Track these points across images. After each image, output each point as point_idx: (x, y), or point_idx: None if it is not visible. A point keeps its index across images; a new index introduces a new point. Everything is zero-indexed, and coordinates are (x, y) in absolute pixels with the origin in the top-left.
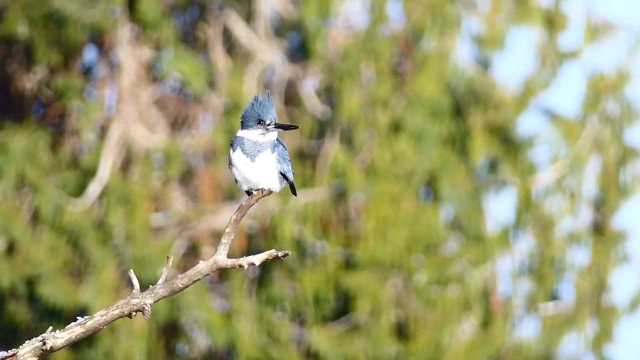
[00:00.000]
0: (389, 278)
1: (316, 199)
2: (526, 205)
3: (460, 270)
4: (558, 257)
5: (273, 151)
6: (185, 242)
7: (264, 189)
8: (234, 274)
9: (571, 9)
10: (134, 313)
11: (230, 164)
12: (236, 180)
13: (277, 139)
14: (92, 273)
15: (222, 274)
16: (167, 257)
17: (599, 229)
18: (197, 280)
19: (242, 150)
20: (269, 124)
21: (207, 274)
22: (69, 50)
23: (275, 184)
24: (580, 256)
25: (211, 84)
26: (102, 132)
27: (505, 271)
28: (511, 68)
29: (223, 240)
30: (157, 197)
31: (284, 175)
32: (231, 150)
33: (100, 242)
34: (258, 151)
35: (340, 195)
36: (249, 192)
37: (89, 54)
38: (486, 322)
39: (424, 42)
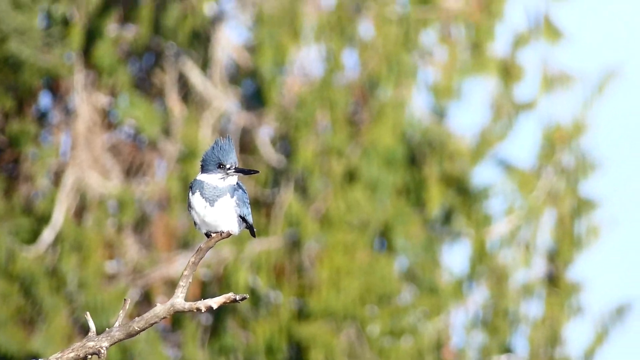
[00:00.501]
0: (342, 328)
1: (270, 247)
2: (480, 257)
3: (413, 321)
4: (512, 309)
5: (232, 195)
6: (138, 290)
7: (223, 232)
8: (187, 323)
9: (527, 59)
10: (90, 356)
11: (189, 206)
12: (195, 223)
13: (237, 183)
14: (44, 321)
15: (175, 322)
16: (125, 299)
17: (553, 281)
18: (154, 324)
19: (202, 194)
20: (229, 168)
21: (164, 317)
22: (24, 96)
23: (234, 227)
24: (534, 308)
25: (166, 131)
26: (57, 178)
27: (459, 323)
28: (467, 118)
29: (181, 283)
30: (111, 244)
31: (243, 218)
32: (190, 193)
33: (53, 289)
34: (217, 196)
35: (294, 244)
36: (208, 235)
37: (44, 99)
38: None
39: (379, 91)
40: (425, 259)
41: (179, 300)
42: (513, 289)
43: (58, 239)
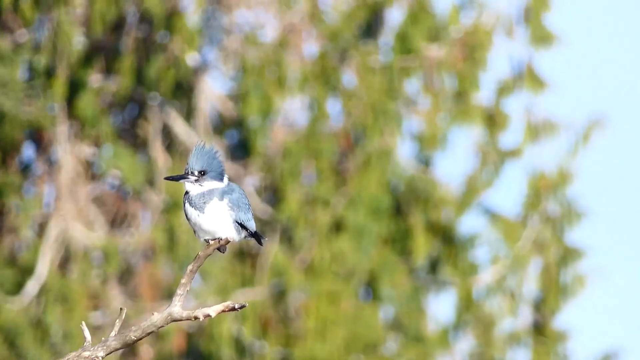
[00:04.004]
0: None
1: (256, 298)
2: (467, 305)
3: None
4: (498, 358)
5: (222, 199)
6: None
7: (221, 239)
8: None
9: (512, 107)
10: None
11: (186, 217)
12: (194, 232)
13: (231, 184)
14: None
15: None
16: (120, 308)
17: (539, 330)
18: (150, 333)
19: (190, 202)
20: (185, 173)
21: (162, 326)
22: (7, 147)
23: (232, 233)
24: (520, 356)
25: (150, 182)
26: (41, 229)
27: None
28: (452, 167)
29: (178, 291)
30: (96, 295)
31: (241, 225)
32: (183, 204)
33: (37, 341)
34: (204, 202)
35: (279, 295)
36: (208, 242)
37: (27, 150)
38: None
39: (365, 140)
40: (411, 308)
41: (177, 308)
42: (499, 338)
43: (42, 290)
